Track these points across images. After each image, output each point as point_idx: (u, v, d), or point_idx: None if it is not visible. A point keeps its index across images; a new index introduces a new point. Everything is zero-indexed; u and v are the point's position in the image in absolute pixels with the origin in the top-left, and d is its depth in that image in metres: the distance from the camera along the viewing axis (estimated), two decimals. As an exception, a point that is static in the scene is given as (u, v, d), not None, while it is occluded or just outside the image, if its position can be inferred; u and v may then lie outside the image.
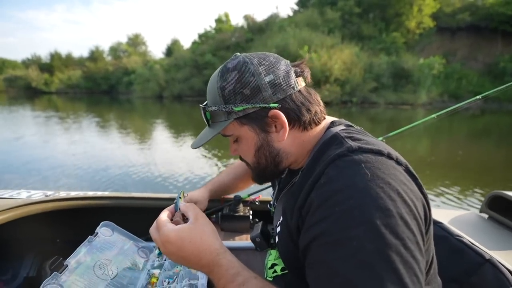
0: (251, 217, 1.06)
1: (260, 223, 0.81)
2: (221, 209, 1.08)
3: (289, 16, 33.05)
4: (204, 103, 0.59)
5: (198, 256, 0.51)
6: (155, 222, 0.55)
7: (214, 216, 1.09)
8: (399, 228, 0.37)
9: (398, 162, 0.45)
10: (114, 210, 1.05)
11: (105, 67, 45.42)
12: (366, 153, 0.44)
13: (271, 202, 0.79)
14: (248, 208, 1.09)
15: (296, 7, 35.29)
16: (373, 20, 28.13)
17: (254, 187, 1.19)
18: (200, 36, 38.11)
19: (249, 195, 1.14)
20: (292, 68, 0.55)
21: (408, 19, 27.57)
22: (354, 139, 0.50)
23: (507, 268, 0.60)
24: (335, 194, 0.41)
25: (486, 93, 1.09)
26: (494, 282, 0.59)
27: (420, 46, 27.22)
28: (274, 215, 0.69)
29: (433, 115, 1.06)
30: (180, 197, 0.62)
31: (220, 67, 0.56)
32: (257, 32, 31.74)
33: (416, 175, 0.45)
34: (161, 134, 9.54)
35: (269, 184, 1.12)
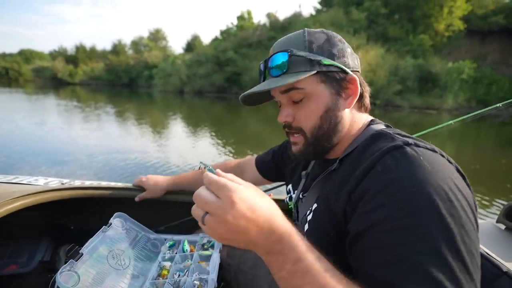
0: None
1: None
2: None
3: (312, 16, 32.60)
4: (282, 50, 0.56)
5: (270, 220, 0.39)
6: (203, 190, 0.40)
7: None
8: (462, 220, 0.38)
9: (449, 161, 0.46)
10: (126, 201, 1.08)
11: (127, 60, 47.03)
12: (421, 148, 0.46)
13: (291, 195, 0.79)
14: None
15: (319, 6, 34.70)
16: (400, 21, 27.17)
17: (265, 186, 1.18)
18: (222, 32, 38.46)
19: None
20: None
21: (437, 21, 26.36)
22: (403, 136, 0.51)
23: None
24: (395, 182, 0.42)
25: (508, 101, 1.04)
26: None
27: (448, 49, 25.99)
28: (303, 205, 0.67)
29: (450, 122, 1.04)
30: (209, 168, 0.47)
31: (299, 31, 0.58)
32: (280, 30, 31.49)
33: (465, 176, 0.46)
34: (179, 128, 9.74)
35: (281, 183, 1.10)
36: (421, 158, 0.43)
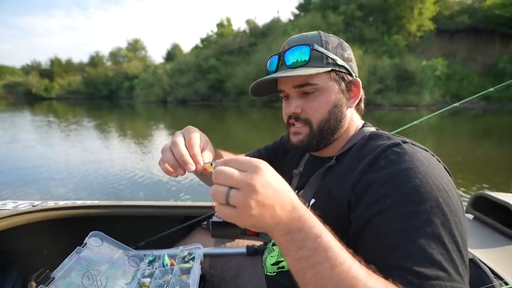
0: None
1: None
2: (211, 215, 1.07)
3: (290, 20, 33.34)
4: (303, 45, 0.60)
5: (291, 195, 0.39)
6: (224, 167, 0.38)
7: (205, 222, 1.08)
8: (456, 208, 0.44)
9: (439, 161, 0.51)
10: (103, 219, 1.03)
11: (105, 72, 46.31)
12: (417, 147, 0.51)
13: None
14: None
15: (297, 12, 35.60)
16: (375, 23, 28.44)
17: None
18: (202, 40, 38.58)
19: None
20: None
21: (409, 22, 28.28)
22: (398, 136, 0.56)
23: (488, 267, 0.63)
24: (399, 174, 0.46)
25: (465, 100, 1.11)
26: (476, 280, 0.62)
27: (421, 48, 27.88)
28: None
29: (416, 122, 1.09)
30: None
31: (314, 32, 0.62)
32: (260, 36, 31.98)
33: (450, 173, 0.51)
34: (163, 138, 9.48)
35: None
36: (419, 154, 0.48)
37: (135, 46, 51.60)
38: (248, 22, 36.31)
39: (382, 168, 0.48)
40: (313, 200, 0.60)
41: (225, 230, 1.03)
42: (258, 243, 1.00)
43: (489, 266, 0.66)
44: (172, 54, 42.73)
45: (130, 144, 7.91)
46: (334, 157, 0.60)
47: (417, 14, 28.13)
